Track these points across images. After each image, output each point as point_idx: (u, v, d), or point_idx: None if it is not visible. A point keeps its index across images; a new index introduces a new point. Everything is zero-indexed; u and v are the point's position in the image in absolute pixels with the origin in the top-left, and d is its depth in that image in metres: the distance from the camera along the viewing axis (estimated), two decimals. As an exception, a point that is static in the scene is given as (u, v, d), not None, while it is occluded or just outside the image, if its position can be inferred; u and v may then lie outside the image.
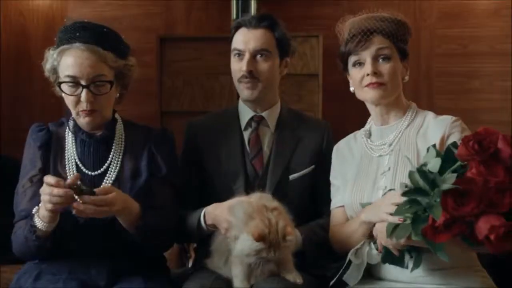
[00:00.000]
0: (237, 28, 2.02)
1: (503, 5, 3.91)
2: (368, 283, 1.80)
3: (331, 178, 1.97)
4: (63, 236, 1.74)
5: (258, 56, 1.99)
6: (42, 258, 1.80)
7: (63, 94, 1.81)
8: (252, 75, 1.98)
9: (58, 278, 1.75)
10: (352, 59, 1.84)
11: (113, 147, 1.87)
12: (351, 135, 1.99)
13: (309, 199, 2.05)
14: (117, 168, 1.85)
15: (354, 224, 1.78)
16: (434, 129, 1.78)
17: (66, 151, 1.86)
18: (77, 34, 1.78)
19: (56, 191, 1.61)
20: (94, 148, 1.86)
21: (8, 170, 1.95)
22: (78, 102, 1.78)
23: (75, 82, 1.76)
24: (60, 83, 1.78)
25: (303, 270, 1.76)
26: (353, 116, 3.94)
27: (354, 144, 1.94)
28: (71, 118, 1.89)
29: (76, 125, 1.87)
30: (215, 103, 3.83)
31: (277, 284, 1.66)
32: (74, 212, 1.63)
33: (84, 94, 1.76)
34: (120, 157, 1.87)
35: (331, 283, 1.78)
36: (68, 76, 1.76)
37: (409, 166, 1.67)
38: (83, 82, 1.76)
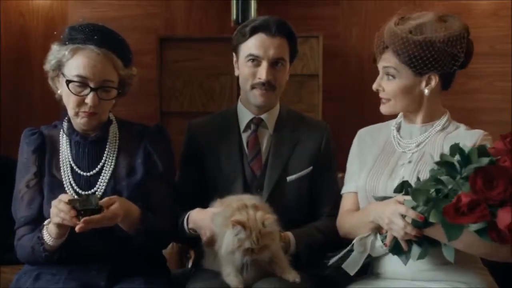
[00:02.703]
0: (254, 32, 1.96)
1: (503, 5, 3.91)
2: (369, 282, 1.80)
3: (348, 164, 1.98)
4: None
5: (275, 65, 1.98)
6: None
7: (64, 92, 1.80)
8: (269, 83, 1.97)
9: (58, 278, 1.75)
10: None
11: (107, 146, 1.87)
12: (375, 126, 1.99)
13: (307, 201, 2.05)
14: (112, 167, 1.85)
15: (362, 219, 1.78)
16: (464, 138, 1.77)
17: (60, 154, 1.86)
18: (95, 37, 1.77)
19: (62, 205, 1.63)
20: (89, 149, 1.86)
21: (8, 170, 1.95)
22: (81, 103, 1.78)
23: (83, 83, 1.76)
24: (69, 81, 1.76)
25: (300, 270, 1.76)
26: (353, 116, 3.96)
27: (378, 134, 1.95)
28: (65, 120, 1.88)
29: (70, 127, 1.87)
30: (215, 103, 3.83)
31: (275, 284, 1.67)
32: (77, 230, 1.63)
33: (91, 96, 1.76)
34: (114, 156, 1.87)
35: (329, 263, 1.79)
36: (78, 76, 1.75)
37: (431, 162, 1.69)
38: (92, 85, 1.76)
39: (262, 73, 1.95)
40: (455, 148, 1.57)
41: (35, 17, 4.16)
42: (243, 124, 2.06)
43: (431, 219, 1.54)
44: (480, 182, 1.45)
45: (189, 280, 1.87)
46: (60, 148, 1.87)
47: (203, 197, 2.02)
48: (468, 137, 1.78)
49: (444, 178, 1.57)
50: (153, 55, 3.89)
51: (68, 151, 1.86)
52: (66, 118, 1.88)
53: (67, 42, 1.79)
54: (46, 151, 1.87)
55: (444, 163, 1.57)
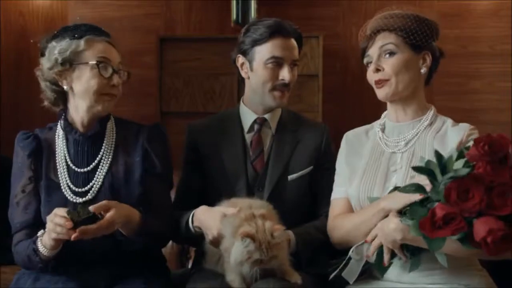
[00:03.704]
0: (272, 35, 1.98)
1: (503, 6, 3.91)
2: (369, 283, 1.80)
3: (337, 169, 1.96)
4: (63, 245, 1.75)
5: (292, 65, 2.03)
6: None
7: (84, 79, 1.81)
8: (289, 84, 2.02)
9: (58, 279, 1.76)
10: (365, 60, 1.88)
11: (104, 141, 1.88)
12: (361, 129, 1.98)
13: (308, 199, 2.06)
14: (108, 162, 1.85)
15: (368, 212, 1.75)
16: (452, 134, 1.79)
17: (56, 152, 1.87)
18: (102, 28, 1.89)
19: (58, 219, 1.62)
20: (87, 146, 1.86)
21: (8, 170, 1.95)
22: (106, 85, 1.82)
23: (108, 64, 1.83)
24: (99, 62, 1.81)
25: (300, 269, 1.76)
26: (353, 116, 3.96)
27: (365, 137, 1.94)
28: (62, 117, 1.89)
29: (67, 125, 1.87)
30: (215, 103, 3.83)
31: (275, 284, 1.67)
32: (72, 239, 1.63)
33: (116, 77, 1.84)
34: (112, 151, 1.87)
35: (330, 277, 1.78)
36: (103, 57, 1.82)
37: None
38: (114, 67, 1.83)
39: (285, 74, 1.99)
40: (435, 154, 1.53)
41: (35, 17, 4.16)
42: (247, 124, 2.07)
43: (411, 233, 1.52)
44: (455, 194, 1.41)
45: (189, 280, 1.88)
46: (56, 147, 1.88)
47: (205, 196, 2.03)
48: (455, 133, 1.79)
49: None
50: (153, 55, 3.89)
51: (65, 149, 1.87)
52: (63, 116, 1.88)
53: (76, 35, 1.83)
54: (43, 155, 1.86)
55: (423, 170, 1.53)
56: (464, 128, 1.81)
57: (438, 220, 1.41)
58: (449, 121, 1.86)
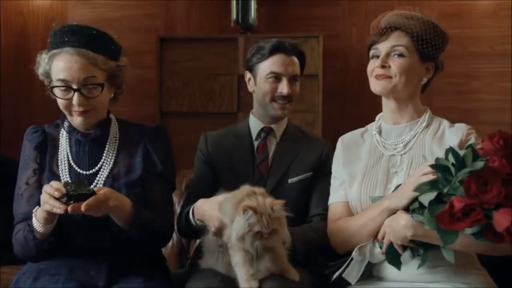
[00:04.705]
0: (273, 52, 2.15)
1: (503, 6, 3.91)
2: (370, 283, 1.80)
3: (334, 173, 1.98)
4: (60, 235, 1.76)
5: (292, 80, 2.17)
6: (42, 258, 1.81)
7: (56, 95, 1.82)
8: (288, 96, 2.17)
9: (57, 278, 1.76)
10: (371, 52, 1.88)
11: (107, 145, 1.89)
12: (356, 132, 2.00)
13: (305, 204, 2.15)
14: (110, 165, 1.86)
15: (371, 213, 1.75)
16: (450, 135, 1.81)
17: (59, 152, 1.87)
18: (66, 38, 1.78)
19: (48, 188, 1.63)
20: (89, 147, 1.87)
21: (8, 170, 1.96)
22: (70, 104, 1.80)
23: (66, 86, 1.77)
24: (52, 87, 1.79)
25: (302, 267, 1.78)
26: (353, 116, 3.97)
27: (361, 141, 1.95)
28: (66, 119, 1.89)
29: (71, 125, 1.88)
30: (215, 103, 3.83)
31: (274, 284, 1.68)
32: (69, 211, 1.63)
33: (75, 97, 1.77)
34: (114, 155, 1.88)
35: (333, 278, 1.78)
36: (60, 80, 1.78)
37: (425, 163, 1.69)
38: (74, 86, 1.77)
39: (283, 87, 2.15)
40: (449, 151, 1.56)
41: (35, 17, 4.16)
42: (255, 132, 2.24)
43: (426, 226, 1.54)
44: (474, 186, 1.44)
45: (187, 279, 1.88)
46: (59, 146, 1.89)
47: (215, 194, 2.06)
48: (454, 133, 1.81)
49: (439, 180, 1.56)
50: (153, 55, 3.89)
51: (68, 149, 1.88)
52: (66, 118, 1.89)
53: (47, 50, 1.82)
54: (48, 148, 1.88)
55: (439, 167, 1.56)
56: (462, 128, 1.82)
57: (457, 212, 1.44)
58: (445, 122, 1.88)
